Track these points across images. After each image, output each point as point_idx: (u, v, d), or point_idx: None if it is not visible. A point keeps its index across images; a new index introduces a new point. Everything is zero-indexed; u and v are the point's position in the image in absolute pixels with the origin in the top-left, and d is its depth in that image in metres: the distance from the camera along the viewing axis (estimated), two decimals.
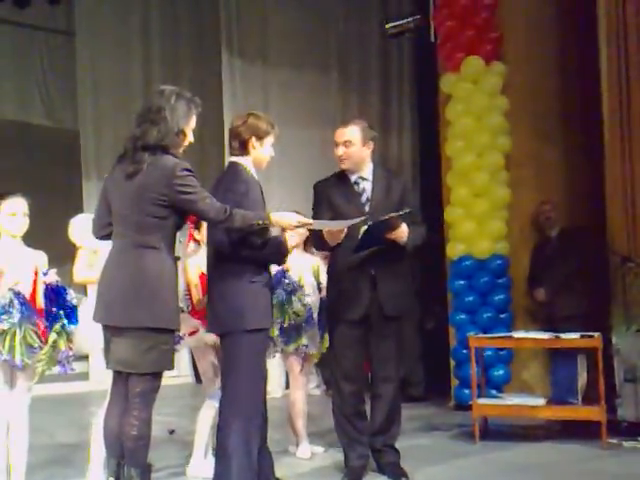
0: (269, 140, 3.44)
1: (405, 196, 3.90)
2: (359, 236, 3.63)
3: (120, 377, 3.03)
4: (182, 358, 7.03)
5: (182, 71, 8.54)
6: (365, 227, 3.61)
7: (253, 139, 3.40)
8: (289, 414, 4.58)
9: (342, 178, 3.90)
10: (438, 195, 6.20)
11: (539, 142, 5.94)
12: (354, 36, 7.85)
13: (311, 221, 3.34)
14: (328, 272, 4.00)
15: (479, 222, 5.87)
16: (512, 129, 5.92)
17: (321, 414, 5.02)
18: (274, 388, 6.51)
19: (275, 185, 6.98)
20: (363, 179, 3.88)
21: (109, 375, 3.11)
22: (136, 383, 2.95)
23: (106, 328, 3.02)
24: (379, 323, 3.80)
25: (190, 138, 3.13)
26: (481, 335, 5.26)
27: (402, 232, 3.69)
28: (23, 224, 3.53)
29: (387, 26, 6.61)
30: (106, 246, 3.17)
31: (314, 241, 3.91)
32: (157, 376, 2.99)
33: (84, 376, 6.33)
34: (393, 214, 3.62)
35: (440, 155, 6.21)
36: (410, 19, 6.44)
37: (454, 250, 5.96)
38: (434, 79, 6.30)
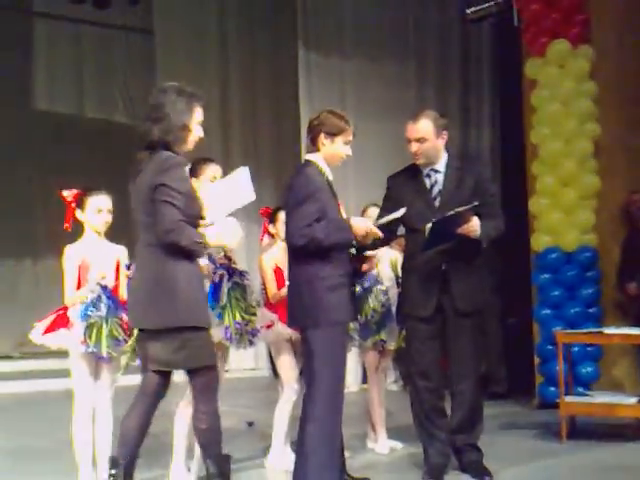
0: (342, 138, 3.36)
1: (479, 186, 3.74)
2: (425, 234, 3.53)
3: (152, 376, 3.00)
4: (260, 351, 7.05)
5: (259, 66, 8.57)
6: (430, 224, 3.50)
7: (323, 135, 3.35)
8: (367, 409, 4.53)
9: (414, 172, 3.81)
10: (521, 185, 5.98)
11: (630, 128, 5.65)
12: (432, 24, 7.68)
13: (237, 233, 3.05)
14: (402, 267, 3.93)
15: (566, 212, 5.63)
16: (601, 115, 5.64)
17: (399, 410, 4.95)
18: (350, 382, 6.47)
19: (352, 179, 6.91)
20: (436, 171, 3.77)
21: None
22: (192, 381, 2.99)
23: (138, 331, 3.06)
24: (454, 319, 3.71)
25: (198, 133, 3.06)
26: (570, 331, 5.06)
27: (473, 226, 3.55)
28: (107, 220, 3.62)
29: (468, 11, 6.46)
30: None
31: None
32: (206, 370, 2.97)
33: None
34: (459, 209, 3.49)
35: (524, 143, 5.99)
36: (492, 3, 6.27)
37: (539, 242, 5.73)
38: (516, 65, 6.09)
